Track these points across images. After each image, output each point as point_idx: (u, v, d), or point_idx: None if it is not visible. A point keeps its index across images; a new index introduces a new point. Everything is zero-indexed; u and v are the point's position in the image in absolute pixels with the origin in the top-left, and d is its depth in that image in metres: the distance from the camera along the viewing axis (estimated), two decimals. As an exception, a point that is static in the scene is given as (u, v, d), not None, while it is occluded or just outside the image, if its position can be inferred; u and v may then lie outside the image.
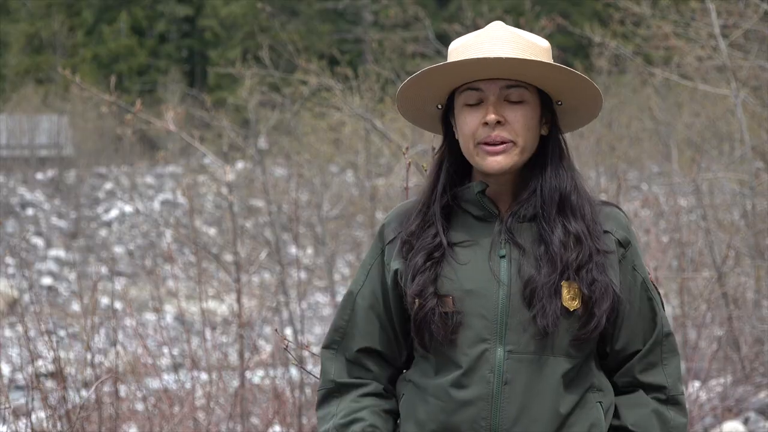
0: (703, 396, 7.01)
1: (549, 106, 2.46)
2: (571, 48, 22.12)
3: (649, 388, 2.46)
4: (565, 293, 2.37)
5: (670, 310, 8.00)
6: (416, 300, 2.40)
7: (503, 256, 2.40)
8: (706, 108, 12.84)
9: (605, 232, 2.44)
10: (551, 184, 2.42)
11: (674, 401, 2.46)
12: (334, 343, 2.53)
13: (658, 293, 2.50)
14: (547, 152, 2.45)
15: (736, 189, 9.52)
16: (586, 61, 15.65)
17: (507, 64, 2.35)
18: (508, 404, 2.35)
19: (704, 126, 12.74)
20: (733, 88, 7.73)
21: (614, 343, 2.45)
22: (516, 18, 14.58)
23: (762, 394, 7.14)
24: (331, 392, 2.51)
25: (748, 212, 8.32)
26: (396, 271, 2.47)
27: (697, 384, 6.94)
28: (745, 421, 6.70)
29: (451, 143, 2.50)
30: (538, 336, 2.35)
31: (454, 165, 2.49)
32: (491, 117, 2.38)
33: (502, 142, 2.39)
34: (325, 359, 2.54)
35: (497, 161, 2.39)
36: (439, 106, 2.50)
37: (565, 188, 2.42)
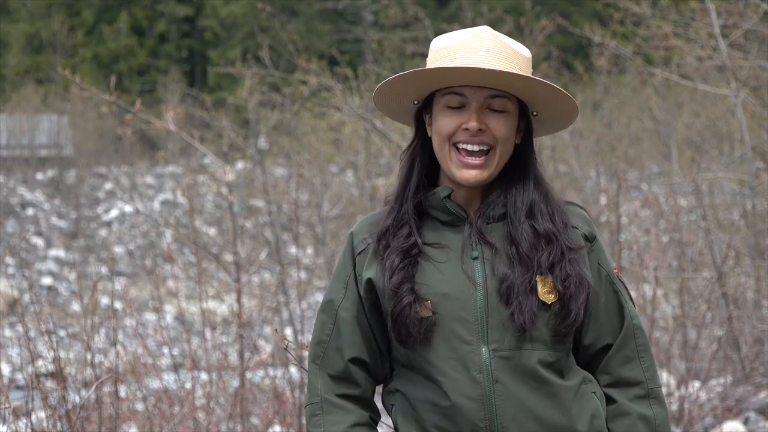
0: (703, 396, 7.00)
1: (525, 115, 2.48)
2: (571, 48, 22.11)
3: (628, 384, 2.48)
4: (541, 287, 2.39)
5: (669, 310, 8.00)
6: (393, 295, 2.41)
7: (476, 258, 2.42)
8: (706, 108, 12.83)
9: (572, 227, 2.47)
10: (522, 194, 2.45)
11: (654, 394, 2.49)
12: (317, 357, 2.53)
13: (625, 287, 2.53)
14: (519, 161, 2.48)
15: (736, 189, 9.51)
16: (586, 61, 15.63)
17: (497, 76, 2.37)
18: (503, 402, 2.37)
19: (704, 126, 12.72)
20: (733, 88, 7.73)
21: (583, 338, 2.48)
22: (516, 18, 14.58)
23: (762, 394, 7.14)
24: (318, 407, 2.51)
25: (748, 212, 8.31)
26: (369, 280, 2.48)
27: (697, 384, 6.94)
28: (745, 421, 6.70)
29: (423, 140, 2.52)
30: (518, 332, 2.38)
31: (425, 163, 2.51)
32: (473, 125, 2.40)
33: (481, 151, 2.41)
34: (311, 373, 2.54)
35: (472, 175, 2.42)
36: (416, 102, 2.51)
37: (535, 198, 2.45)
